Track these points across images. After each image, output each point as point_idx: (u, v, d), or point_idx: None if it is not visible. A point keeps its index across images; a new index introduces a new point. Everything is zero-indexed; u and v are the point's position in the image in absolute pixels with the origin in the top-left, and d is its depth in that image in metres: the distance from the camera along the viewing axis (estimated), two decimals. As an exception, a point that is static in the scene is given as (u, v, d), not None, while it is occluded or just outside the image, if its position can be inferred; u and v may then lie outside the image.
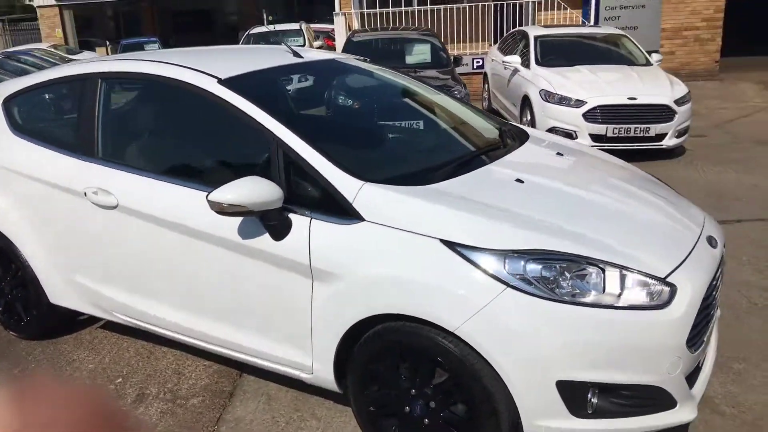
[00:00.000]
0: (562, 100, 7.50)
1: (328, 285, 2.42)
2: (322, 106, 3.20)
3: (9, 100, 3.62)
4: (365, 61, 3.79)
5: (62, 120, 3.71)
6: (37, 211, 3.36)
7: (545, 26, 10.20)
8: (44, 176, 3.28)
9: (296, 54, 3.40)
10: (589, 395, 2.16)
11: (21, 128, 3.53)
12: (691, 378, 2.34)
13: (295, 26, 13.94)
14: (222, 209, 2.41)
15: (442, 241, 2.23)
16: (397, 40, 9.60)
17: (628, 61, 8.64)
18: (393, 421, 2.47)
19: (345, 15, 13.32)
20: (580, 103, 7.35)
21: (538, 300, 2.12)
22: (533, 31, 9.27)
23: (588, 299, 2.13)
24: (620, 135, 7.25)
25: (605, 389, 2.17)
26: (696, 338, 2.26)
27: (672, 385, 2.20)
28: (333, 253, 2.39)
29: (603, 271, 2.18)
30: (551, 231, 2.26)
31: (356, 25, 13.39)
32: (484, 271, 2.16)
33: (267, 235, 2.53)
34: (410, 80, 3.77)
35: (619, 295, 2.16)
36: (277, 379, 3.14)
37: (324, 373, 2.57)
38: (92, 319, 3.92)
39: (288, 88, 3.26)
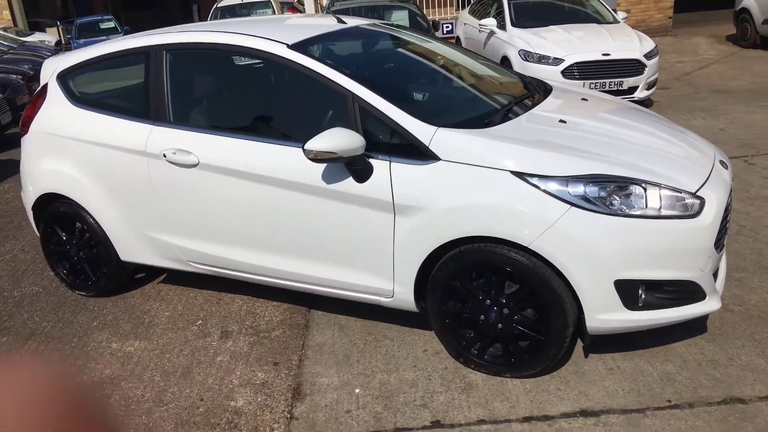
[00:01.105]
0: (541, 59, 7.97)
1: (410, 218, 2.83)
2: (375, 66, 3.55)
3: (65, 75, 3.87)
4: (392, 26, 4.17)
5: (121, 90, 3.97)
6: (107, 175, 3.64)
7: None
8: (112, 142, 3.57)
9: (340, 20, 3.76)
10: (640, 291, 2.65)
11: (80, 99, 3.80)
12: (714, 276, 2.85)
13: (263, -3, 14.00)
14: (316, 156, 2.78)
15: (512, 172, 2.67)
16: (375, 7, 9.88)
17: (596, 19, 9.16)
18: (470, 329, 2.93)
19: (313, -16, 13.43)
20: (558, 61, 7.83)
21: (597, 215, 2.58)
22: (506, -6, 9.67)
23: (636, 212, 2.61)
24: (596, 89, 7.78)
25: (651, 286, 2.67)
26: (719, 241, 2.77)
27: (703, 280, 2.71)
28: (414, 189, 2.80)
29: (645, 189, 2.65)
30: (601, 159, 2.72)
31: (324, -5, 13.52)
32: (551, 194, 2.60)
33: (350, 179, 2.91)
34: (435, 41, 4.18)
35: (660, 207, 2.64)
36: (345, 311, 3.56)
37: (405, 295, 3.00)
38: (150, 276, 4.25)
39: (344, 50, 3.61)
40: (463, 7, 13.60)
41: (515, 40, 8.51)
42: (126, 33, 20.23)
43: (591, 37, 8.24)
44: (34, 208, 4.06)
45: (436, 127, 2.83)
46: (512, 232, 2.64)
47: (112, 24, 20.87)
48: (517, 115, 3.12)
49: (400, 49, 3.82)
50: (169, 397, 3.00)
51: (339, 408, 2.81)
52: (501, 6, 9.51)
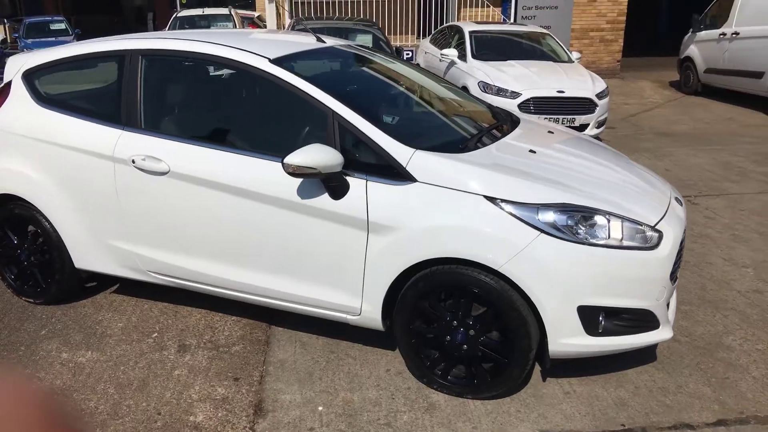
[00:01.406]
0: (500, 92, 8.21)
1: (383, 236, 2.87)
2: (354, 86, 3.59)
3: (31, 73, 3.77)
4: (368, 48, 4.25)
5: (90, 92, 3.89)
6: (68, 178, 3.55)
7: (476, 23, 10.93)
8: (77, 144, 3.49)
9: (320, 39, 3.80)
10: (600, 318, 2.75)
11: (46, 100, 3.70)
12: (666, 307, 2.99)
13: (224, 11, 13.94)
14: (295, 170, 2.80)
15: (485, 197, 2.75)
16: (340, 29, 9.98)
17: (552, 57, 9.52)
18: (434, 350, 2.97)
19: (276, 2, 13.49)
20: (515, 94, 8.08)
21: (564, 242, 2.68)
22: (467, 27, 9.96)
23: (600, 242, 2.72)
24: (551, 124, 8.05)
25: (610, 313, 2.78)
26: (674, 273, 2.91)
27: (658, 309, 2.84)
28: (389, 209, 2.84)
29: (608, 220, 2.77)
30: (569, 189, 2.83)
31: (286, 14, 13.60)
32: (522, 220, 2.69)
33: (326, 195, 2.94)
34: (409, 67, 4.27)
35: (621, 238, 2.76)
36: (306, 328, 3.55)
37: (372, 314, 3.02)
38: (102, 286, 4.13)
39: (323, 68, 3.64)
40: (423, 36, 13.89)
41: (475, 72, 8.74)
42: (77, 36, 19.76)
43: (547, 74, 8.55)
44: (-16, 209, 3.91)
45: (414, 150, 2.89)
46: (483, 255, 2.71)
47: (62, 26, 20.36)
48: (489, 143, 3.22)
49: (377, 72, 3.89)
50: (125, 410, 2.91)
51: (302, 425, 2.79)
52: (462, 38, 9.77)
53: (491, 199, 2.74)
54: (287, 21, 13.94)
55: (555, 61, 9.36)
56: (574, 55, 9.78)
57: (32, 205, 3.72)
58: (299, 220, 3.01)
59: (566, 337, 2.74)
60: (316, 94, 3.05)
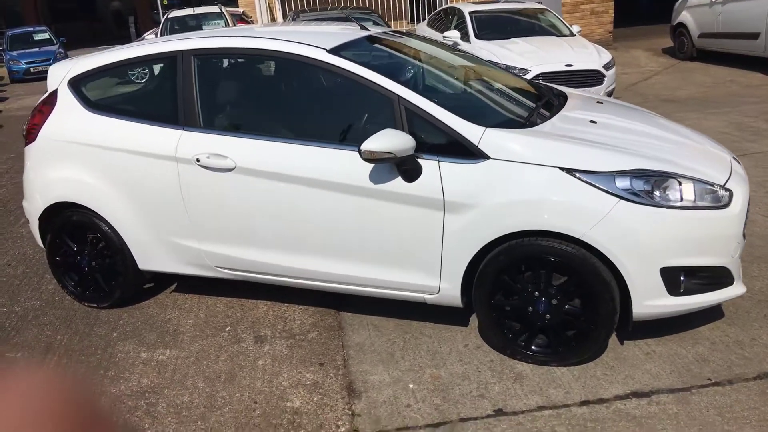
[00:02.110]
0: (508, 69, 8.26)
1: (460, 215, 2.94)
2: (409, 70, 3.64)
3: (77, 81, 3.78)
4: (407, 35, 4.29)
5: (141, 95, 3.91)
6: (128, 182, 3.58)
7: (474, 2, 10.96)
8: (136, 147, 3.51)
9: (363, 27, 3.85)
10: (681, 277, 2.84)
11: (97, 106, 3.72)
12: (739, 263, 3.08)
13: (215, 9, 13.87)
14: (371, 156, 2.85)
15: (561, 168, 2.82)
16: (342, 18, 9.98)
17: (552, 32, 9.58)
18: (516, 321, 3.04)
19: (267, -3, 13.45)
20: (524, 71, 8.13)
21: (643, 207, 2.76)
22: (467, 8, 9.99)
23: (676, 204, 2.80)
24: (562, 98, 8.13)
25: (689, 272, 2.86)
26: (744, 229, 3.01)
27: (733, 265, 2.93)
28: (465, 187, 2.91)
29: (680, 183, 2.85)
30: (640, 155, 2.91)
31: (278, 7, 13.56)
32: (600, 188, 2.77)
33: (399, 179, 2.99)
34: (447, 49, 4.32)
35: (694, 199, 2.84)
36: (375, 311, 3.62)
37: (451, 291, 3.09)
38: (160, 286, 4.17)
39: (374, 55, 3.68)
40: (416, 21, 13.90)
41: (480, 52, 8.76)
42: (62, 44, 19.54)
43: (553, 49, 8.61)
44: (40, 218, 3.92)
45: (484, 128, 2.95)
46: (565, 225, 2.78)
47: (46, 35, 20.17)
48: (550, 116, 3.29)
49: (424, 56, 3.93)
50: (220, 401, 2.97)
51: (398, 403, 2.86)
52: (462, 19, 9.80)
53: (568, 171, 2.81)
54: (279, 15, 13.90)
55: (557, 35, 9.43)
56: (575, 29, 9.86)
57: (91, 210, 3.74)
58: (373, 205, 3.07)
59: (650, 299, 2.83)
60: (380, 81, 3.09)
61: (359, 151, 2.87)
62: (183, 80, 3.48)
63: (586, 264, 2.81)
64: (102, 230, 3.77)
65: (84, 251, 3.91)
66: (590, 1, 14.69)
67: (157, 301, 4.03)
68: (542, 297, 2.95)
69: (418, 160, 2.97)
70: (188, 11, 13.77)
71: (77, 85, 3.78)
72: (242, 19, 16.65)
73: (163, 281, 4.21)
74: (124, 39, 20.32)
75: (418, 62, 3.73)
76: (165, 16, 13.65)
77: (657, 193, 2.81)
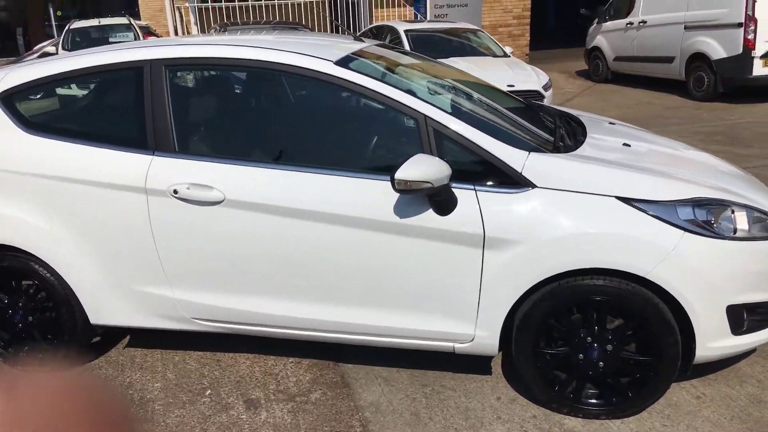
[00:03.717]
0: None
1: (503, 252, 2.55)
2: (423, 87, 3.20)
3: (11, 95, 3.09)
4: (399, 49, 3.88)
5: (93, 113, 3.25)
6: (80, 218, 2.94)
7: (407, 21, 10.74)
8: (89, 177, 2.89)
9: (358, 39, 3.40)
10: (744, 315, 2.59)
11: (37, 126, 3.04)
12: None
13: (122, 20, 12.85)
14: (407, 187, 2.42)
15: (618, 198, 2.50)
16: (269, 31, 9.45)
17: (487, 53, 9.52)
18: (566, 370, 2.69)
19: (181, 9, 12.66)
20: (467, 91, 7.96)
21: (707, 239, 2.49)
22: (401, 26, 9.75)
23: (736, 234, 2.56)
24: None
25: (750, 309, 2.62)
26: None
27: None
28: (509, 220, 2.53)
29: (733, 212, 2.62)
30: (695, 182, 2.65)
31: (193, 21, 12.81)
32: (663, 220, 2.48)
33: (429, 211, 2.57)
34: (446, 66, 3.95)
35: (748, 229, 2.62)
36: (379, 362, 3.16)
37: (487, 339, 2.69)
38: (107, 341, 3.50)
39: (378, 70, 3.23)
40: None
41: (420, 71, 8.53)
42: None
43: (493, 69, 8.49)
44: (-41, 264, 3.17)
45: (527, 152, 2.60)
46: (626, 262, 2.46)
47: None
48: (583, 140, 2.98)
49: (428, 71, 3.50)
50: (223, 491, 2.40)
51: (444, 478, 2.42)
52: (396, 37, 9.55)
53: (625, 200, 2.51)
54: (194, 29, 13.12)
55: (493, 56, 9.37)
56: (507, 50, 9.85)
57: (27, 254, 3.05)
58: (398, 242, 2.63)
59: (714, 340, 2.56)
60: (402, 99, 2.68)
61: (392, 180, 2.43)
62: (152, 95, 2.89)
63: (648, 305, 2.50)
64: (42, 277, 3.08)
65: (17, 303, 3.19)
66: (507, 24, 14.96)
67: (109, 360, 3.36)
68: (595, 343, 2.62)
69: (454, 189, 2.57)
70: (92, 22, 12.67)
71: (10, 100, 3.09)
72: (149, 32, 15.66)
73: (112, 334, 3.52)
74: (12, 52, 18.63)
75: (428, 78, 3.32)
76: (66, 27, 12.48)
77: (717, 223, 2.56)
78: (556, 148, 2.81)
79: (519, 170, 2.56)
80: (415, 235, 2.60)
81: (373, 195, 2.61)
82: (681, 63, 10.89)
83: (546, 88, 8.34)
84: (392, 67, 3.22)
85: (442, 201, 2.55)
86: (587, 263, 2.49)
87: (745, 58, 9.69)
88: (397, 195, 2.59)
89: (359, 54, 3.11)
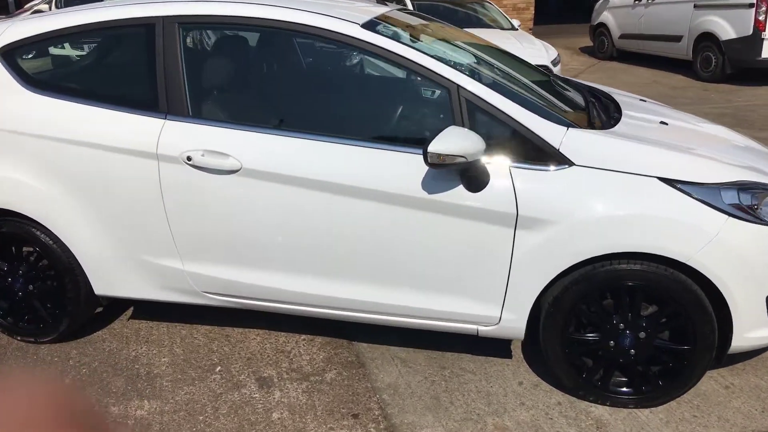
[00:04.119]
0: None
1: (535, 232, 2.43)
2: (452, 55, 3.02)
3: (13, 50, 2.90)
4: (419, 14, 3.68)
5: (102, 71, 3.06)
6: (86, 183, 2.78)
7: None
8: (97, 140, 2.72)
9: (382, 2, 3.21)
10: (782, 305, 2.49)
11: (40, 83, 2.86)
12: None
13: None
14: (440, 161, 2.28)
15: (660, 179, 2.37)
16: None
17: (494, 25, 9.30)
18: (594, 357, 2.58)
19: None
20: (475, 64, 7.77)
21: (750, 225, 2.37)
22: (406, -5, 9.48)
23: (778, 220, 2.44)
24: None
25: None
26: None
27: None
28: (544, 199, 2.40)
29: None
30: (738, 165, 2.53)
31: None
32: (707, 204, 2.35)
33: (459, 187, 2.44)
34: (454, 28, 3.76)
35: None
36: (395, 341, 3.05)
37: (514, 322, 2.58)
38: (110, 311, 3.37)
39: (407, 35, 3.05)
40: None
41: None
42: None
43: (503, 43, 8.29)
44: (-44, 228, 3.01)
45: (565, 127, 2.46)
46: (668, 247, 2.34)
47: None
48: (620, 117, 2.84)
49: (457, 41, 3.31)
50: (238, 475, 2.30)
51: (469, 466, 2.32)
52: (402, 3, 9.29)
53: (668, 181, 2.38)
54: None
55: (501, 29, 9.15)
56: (515, 23, 9.63)
57: (29, 219, 2.90)
58: (425, 219, 2.49)
59: (751, 330, 2.46)
60: (433, 66, 2.52)
61: (425, 153, 2.28)
62: (165, 55, 2.71)
63: (686, 292, 2.39)
64: (44, 244, 2.93)
65: (17, 271, 3.04)
66: (512, -4, 14.65)
67: (113, 332, 3.23)
68: (627, 329, 2.51)
69: (487, 165, 2.43)
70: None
71: (12, 56, 2.90)
72: None
73: (116, 304, 3.39)
74: (1, 9, 18.09)
75: (457, 48, 3.13)
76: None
77: (760, 208, 2.44)
78: (590, 125, 2.67)
79: (556, 147, 2.42)
80: (443, 212, 2.47)
81: (400, 168, 2.47)
82: (689, 42, 10.70)
83: (555, 63, 8.17)
84: (419, 33, 3.04)
85: (474, 177, 2.41)
86: (626, 247, 2.37)
87: (754, 40, 9.53)
88: (425, 169, 2.45)
89: (383, 18, 2.93)
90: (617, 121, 2.77)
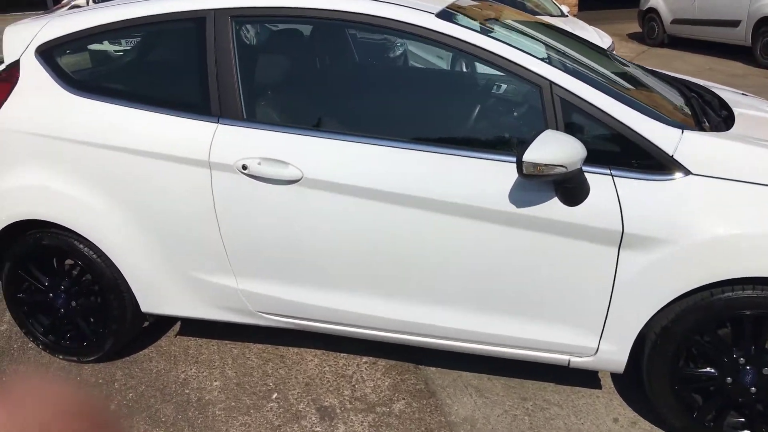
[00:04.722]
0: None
1: (644, 252, 2.09)
2: (538, 49, 2.69)
3: (52, 49, 2.66)
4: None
5: (147, 71, 2.82)
6: (131, 194, 2.53)
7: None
8: (143, 146, 2.46)
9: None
10: None
11: (82, 84, 2.62)
12: None
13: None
14: (536, 171, 1.96)
15: (800, 193, 2.02)
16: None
17: (543, 12, 8.87)
18: (706, 394, 2.25)
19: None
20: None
21: None
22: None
23: None
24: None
25: None
26: None
27: None
28: (654, 214, 2.06)
29: None
30: None
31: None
32: None
33: (554, 200, 2.12)
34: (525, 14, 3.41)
35: None
36: (465, 366, 2.76)
37: (614, 354, 2.26)
38: (155, 328, 3.13)
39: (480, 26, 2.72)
40: None
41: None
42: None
43: (554, 30, 7.89)
44: (-5, 240, 2.80)
45: (680, 130, 2.12)
46: (806, 272, 1.99)
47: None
48: (726, 117, 2.48)
49: (538, 32, 2.96)
50: None
51: None
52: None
53: (810, 197, 2.02)
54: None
55: (549, 15, 8.72)
56: (564, 8, 9.19)
57: (71, 231, 2.67)
58: (512, 236, 2.18)
59: None
60: (522, 61, 2.19)
61: (519, 163, 1.97)
62: (216, 52, 2.44)
63: (825, 324, 2.04)
64: (86, 258, 2.70)
65: (61, 286, 2.82)
66: (556, -19, 14.11)
67: (160, 351, 2.99)
68: (748, 365, 2.17)
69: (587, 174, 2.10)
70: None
71: (50, 54, 2.66)
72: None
73: (163, 318, 3.15)
74: (38, 5, 18.15)
75: (542, 41, 2.79)
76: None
77: None
78: (699, 126, 2.32)
79: (670, 153, 2.08)
80: (534, 229, 2.15)
81: (485, 178, 2.16)
82: (747, 27, 10.10)
83: (610, 51, 7.72)
84: (496, 24, 2.71)
85: (572, 188, 2.08)
86: (755, 271, 2.02)
87: (821, 24, 8.94)
88: (513, 179, 2.14)
89: (454, 8, 2.61)
90: (732, 121, 2.41)
